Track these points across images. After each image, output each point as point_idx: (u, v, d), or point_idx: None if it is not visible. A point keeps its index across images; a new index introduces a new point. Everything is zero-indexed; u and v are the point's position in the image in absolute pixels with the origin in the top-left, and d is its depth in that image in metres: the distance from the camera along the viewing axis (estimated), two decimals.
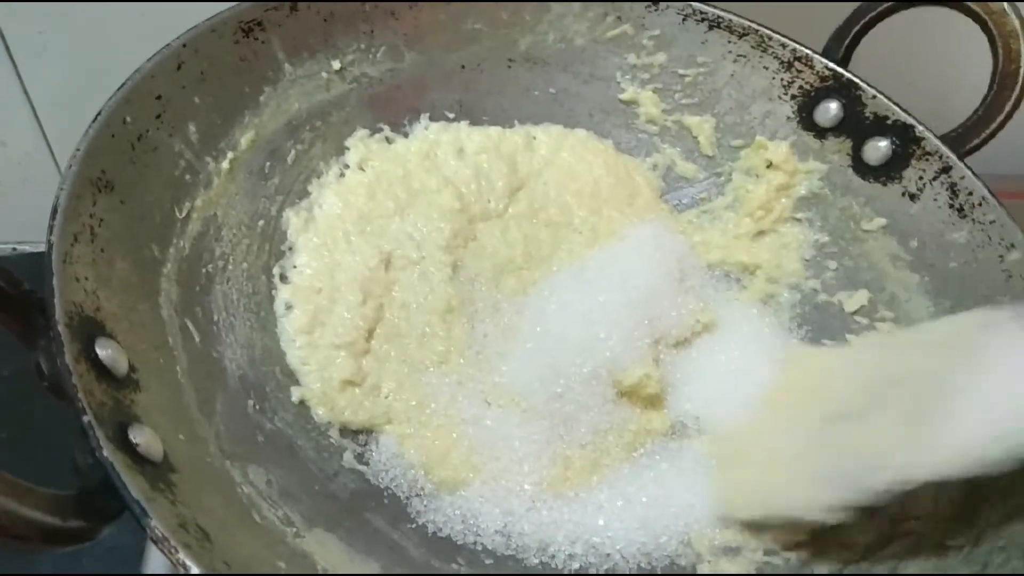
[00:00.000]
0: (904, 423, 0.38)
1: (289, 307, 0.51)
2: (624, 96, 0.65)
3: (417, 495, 0.48)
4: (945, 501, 0.46)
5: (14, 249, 0.82)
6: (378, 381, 0.50)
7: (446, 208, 0.56)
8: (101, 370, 0.36)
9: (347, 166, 0.58)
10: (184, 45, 0.49)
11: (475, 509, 0.47)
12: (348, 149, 0.58)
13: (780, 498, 0.43)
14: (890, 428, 0.38)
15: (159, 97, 0.47)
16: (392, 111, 0.61)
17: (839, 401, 0.43)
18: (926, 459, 0.36)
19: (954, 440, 0.36)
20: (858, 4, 0.58)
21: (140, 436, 0.35)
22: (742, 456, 0.48)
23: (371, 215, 0.55)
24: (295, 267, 0.53)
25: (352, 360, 0.49)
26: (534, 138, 0.63)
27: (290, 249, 0.54)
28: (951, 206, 0.54)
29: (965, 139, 0.55)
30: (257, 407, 0.47)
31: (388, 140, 0.60)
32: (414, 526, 0.47)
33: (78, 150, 0.41)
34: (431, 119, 0.62)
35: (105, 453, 0.32)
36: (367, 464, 0.49)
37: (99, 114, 0.43)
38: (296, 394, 0.49)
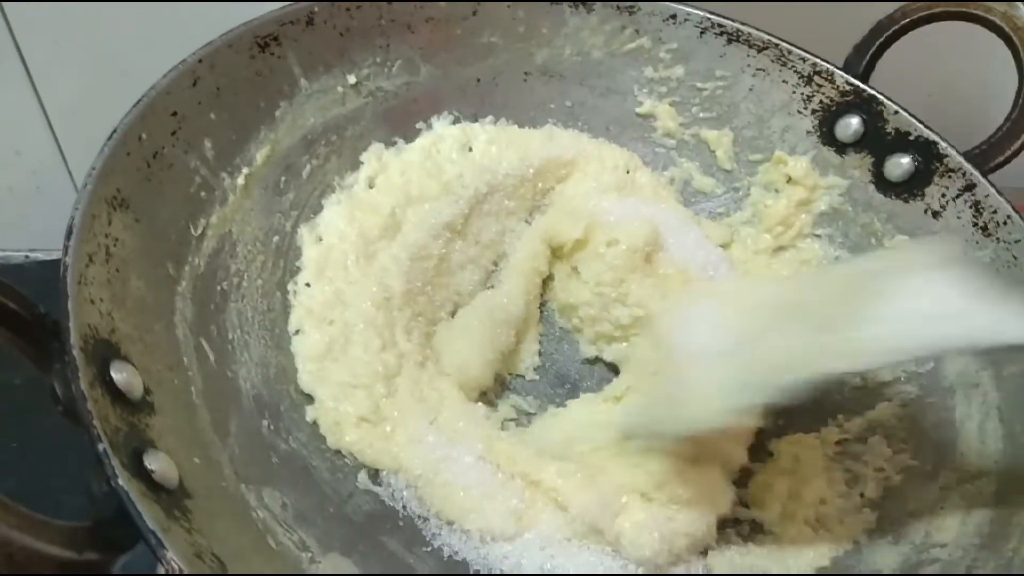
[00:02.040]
0: (819, 330, 0.39)
1: (299, 331, 0.51)
2: (641, 109, 0.64)
3: (433, 517, 0.48)
4: (972, 528, 0.45)
5: (27, 257, 0.82)
6: (393, 427, 0.49)
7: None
8: (116, 394, 0.35)
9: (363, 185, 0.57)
10: (200, 61, 0.48)
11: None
12: (363, 163, 0.58)
13: (689, 409, 0.42)
14: (803, 334, 0.40)
15: (175, 114, 0.46)
16: (407, 124, 0.61)
17: (762, 313, 0.43)
18: (833, 357, 0.38)
19: (862, 336, 0.38)
20: (879, 18, 0.58)
21: (155, 462, 0.34)
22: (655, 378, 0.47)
23: (371, 235, 0.54)
24: (307, 285, 0.52)
25: (368, 399, 0.48)
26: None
27: (304, 265, 0.53)
28: (975, 224, 0.53)
29: (989, 156, 0.55)
30: (271, 427, 0.46)
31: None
32: (429, 549, 0.46)
33: (93, 168, 0.41)
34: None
35: (121, 482, 0.31)
36: (381, 485, 0.48)
37: (114, 132, 0.43)
38: (311, 414, 0.48)
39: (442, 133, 0.60)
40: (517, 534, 0.47)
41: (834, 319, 0.39)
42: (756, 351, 0.41)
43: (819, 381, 0.39)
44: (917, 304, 0.37)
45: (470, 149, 0.60)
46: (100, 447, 0.32)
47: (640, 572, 0.46)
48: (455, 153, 0.59)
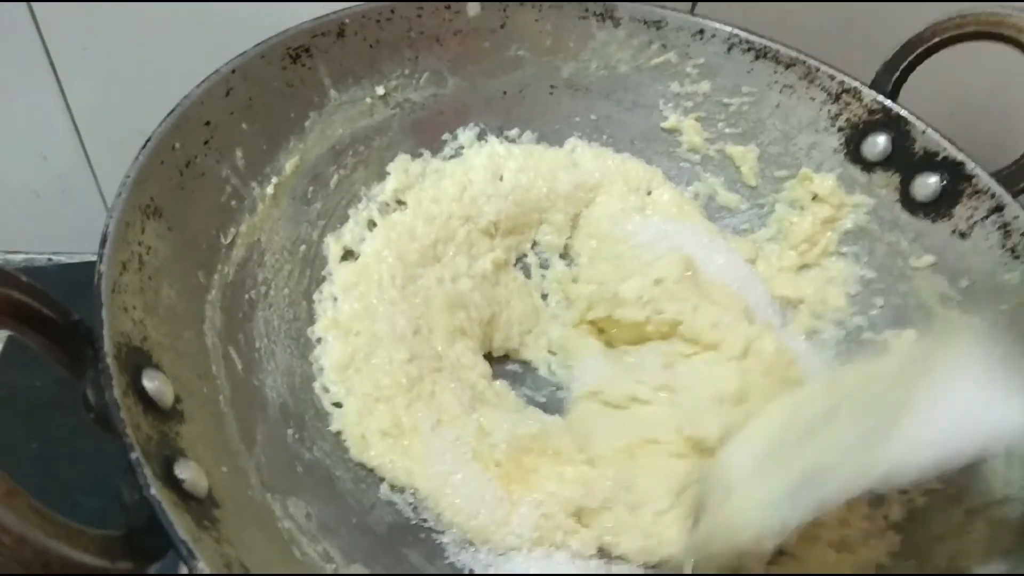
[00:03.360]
0: (855, 438, 0.39)
1: (320, 340, 0.51)
2: (667, 124, 0.64)
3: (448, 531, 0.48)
4: (997, 553, 0.44)
5: (49, 260, 0.83)
6: (410, 441, 0.48)
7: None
8: (148, 403, 0.36)
9: (391, 203, 0.58)
10: (233, 71, 0.49)
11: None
12: (389, 174, 0.58)
13: (737, 522, 0.42)
14: (841, 443, 0.39)
15: (208, 123, 0.47)
16: (434, 136, 0.61)
17: (797, 427, 0.43)
18: (871, 469, 0.38)
19: (897, 452, 0.37)
20: (909, 37, 0.57)
21: (186, 471, 0.34)
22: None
23: (410, 260, 0.55)
24: (334, 299, 0.52)
25: (390, 413, 0.48)
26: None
27: (330, 275, 0.54)
28: (1003, 247, 0.53)
29: (1018, 177, 0.54)
30: (297, 436, 0.47)
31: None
32: (448, 562, 0.46)
33: (127, 177, 0.41)
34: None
35: (153, 491, 0.31)
36: (403, 493, 0.48)
37: (148, 140, 0.43)
38: (335, 424, 0.48)
39: (472, 162, 0.61)
40: (529, 550, 0.47)
41: (868, 431, 0.38)
42: (793, 473, 0.40)
43: (861, 490, 0.38)
44: (949, 410, 0.36)
45: (501, 178, 0.61)
46: (133, 456, 0.32)
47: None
48: (489, 186, 0.60)
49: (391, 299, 0.52)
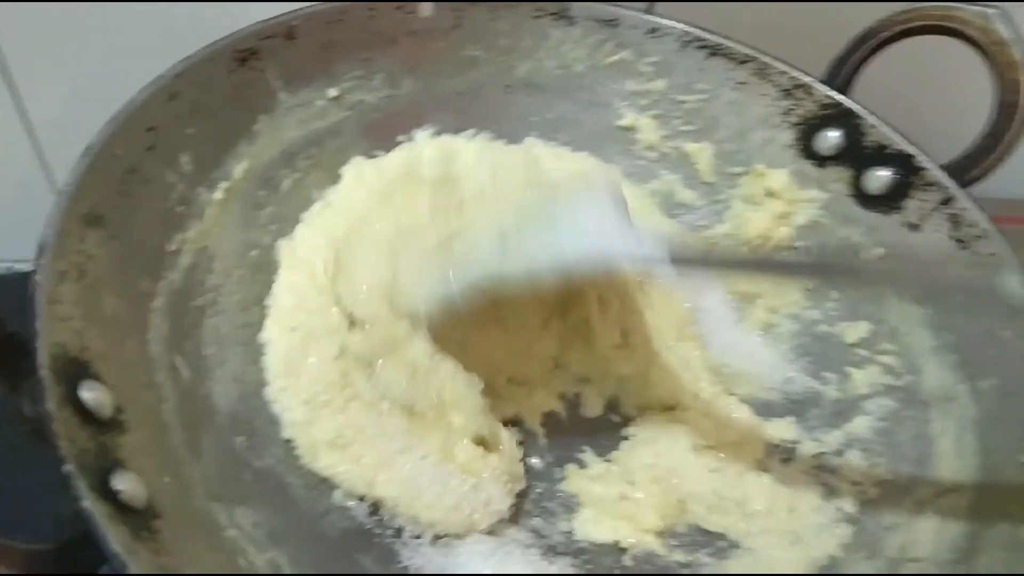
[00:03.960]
0: (499, 240, 0.47)
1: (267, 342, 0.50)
2: (623, 122, 0.64)
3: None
4: (947, 543, 0.45)
5: (9, 268, 0.82)
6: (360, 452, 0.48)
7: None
8: (85, 414, 0.35)
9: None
10: (178, 75, 0.48)
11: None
12: (343, 177, 0.58)
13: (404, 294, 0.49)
14: (490, 241, 0.47)
15: (151, 129, 0.46)
16: (389, 138, 0.60)
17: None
18: (508, 263, 0.46)
19: (530, 251, 0.45)
20: (859, 31, 0.58)
21: (123, 483, 0.34)
22: None
23: (345, 257, 0.53)
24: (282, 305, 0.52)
25: (332, 420, 0.47)
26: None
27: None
28: (952, 237, 0.53)
29: (967, 169, 0.55)
30: (247, 444, 0.46)
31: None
32: (403, 567, 0.46)
33: (67, 185, 0.41)
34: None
35: (87, 504, 0.31)
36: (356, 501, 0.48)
37: (88, 148, 0.43)
38: (287, 431, 0.48)
39: (422, 155, 0.59)
40: (493, 546, 0.47)
41: (515, 232, 0.46)
42: (451, 250, 0.48)
43: (501, 284, 0.46)
44: (580, 227, 0.45)
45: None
46: (67, 468, 0.32)
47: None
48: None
49: (321, 288, 0.51)
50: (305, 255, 0.53)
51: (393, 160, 0.59)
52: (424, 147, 0.59)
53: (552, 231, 0.45)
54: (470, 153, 0.58)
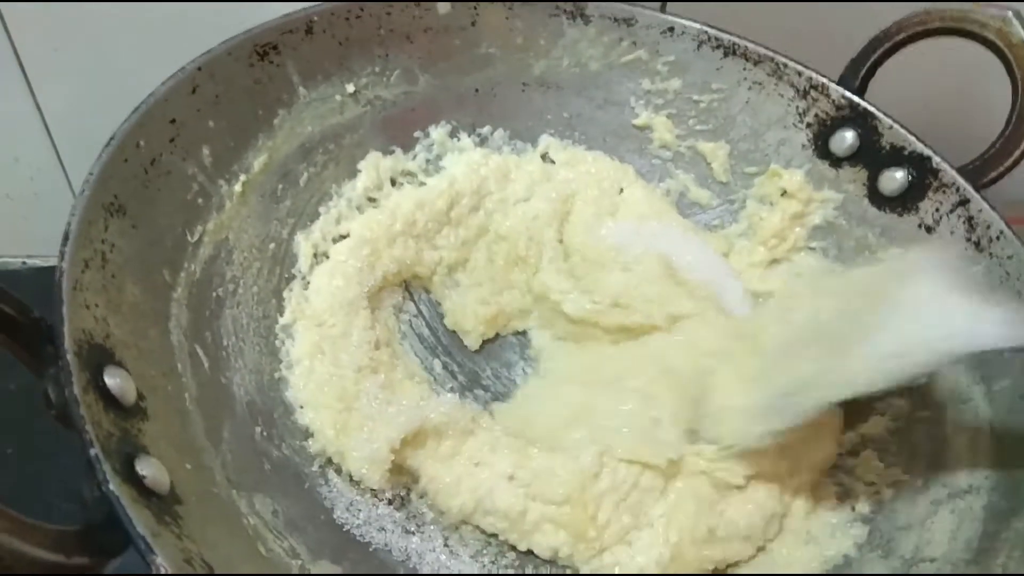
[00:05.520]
0: (827, 354, 0.42)
1: (290, 331, 0.51)
2: (638, 121, 0.64)
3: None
4: (961, 543, 0.45)
5: (24, 263, 0.82)
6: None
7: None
8: (109, 399, 0.35)
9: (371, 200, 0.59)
10: (199, 68, 0.49)
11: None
12: (360, 172, 0.58)
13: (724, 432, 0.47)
14: (813, 360, 0.43)
15: (173, 121, 0.47)
16: (405, 133, 0.61)
17: (772, 345, 0.47)
18: (842, 382, 0.41)
19: (866, 364, 0.40)
20: (875, 33, 0.58)
21: (147, 468, 0.34)
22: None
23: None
24: (307, 299, 0.53)
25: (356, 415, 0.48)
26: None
27: (300, 274, 0.54)
28: (968, 239, 0.53)
29: (983, 171, 0.55)
30: (264, 434, 0.46)
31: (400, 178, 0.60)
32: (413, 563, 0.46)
33: (91, 175, 0.41)
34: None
35: (112, 487, 0.31)
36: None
37: (112, 138, 0.43)
38: (304, 419, 0.48)
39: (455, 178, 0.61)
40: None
41: (844, 338, 0.40)
42: (776, 379, 0.43)
43: (837, 401, 0.42)
44: (920, 315, 0.38)
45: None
46: (92, 452, 0.32)
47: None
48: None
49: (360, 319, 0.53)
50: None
51: None
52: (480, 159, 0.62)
53: (887, 333, 0.39)
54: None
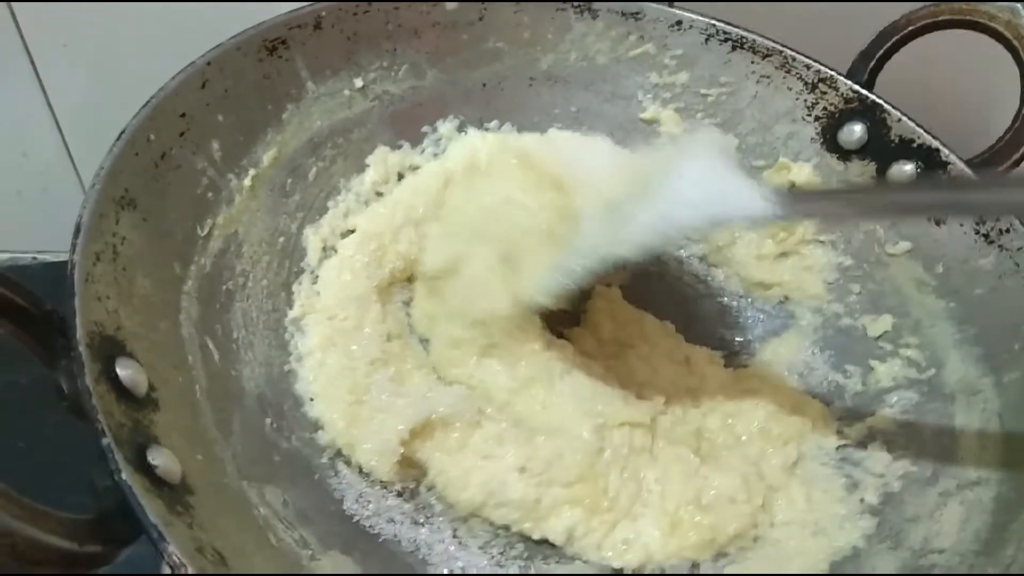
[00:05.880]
0: (613, 218, 0.46)
1: (299, 324, 0.52)
2: (646, 115, 0.64)
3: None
4: (970, 535, 0.45)
5: (34, 258, 0.83)
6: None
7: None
8: (121, 391, 0.36)
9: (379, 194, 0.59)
10: (209, 63, 0.49)
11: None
12: (368, 166, 0.58)
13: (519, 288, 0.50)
14: (601, 222, 0.47)
15: (183, 115, 0.47)
16: (413, 128, 0.61)
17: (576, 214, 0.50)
18: (624, 241, 0.45)
19: (643, 224, 0.44)
20: (884, 26, 0.58)
21: (158, 458, 0.35)
22: None
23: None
24: (317, 293, 0.53)
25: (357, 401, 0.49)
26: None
27: (310, 267, 0.54)
28: (977, 232, 0.53)
29: (992, 164, 0.55)
30: (274, 425, 0.47)
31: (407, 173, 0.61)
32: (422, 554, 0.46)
33: (102, 168, 0.42)
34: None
35: (124, 476, 0.32)
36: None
37: (123, 132, 0.43)
38: (314, 412, 0.49)
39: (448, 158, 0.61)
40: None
41: (623, 207, 0.46)
42: (574, 241, 0.47)
43: (618, 259, 0.45)
44: (690, 182, 0.43)
45: None
46: (104, 441, 0.32)
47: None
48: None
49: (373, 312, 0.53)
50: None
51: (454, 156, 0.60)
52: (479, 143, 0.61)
53: (661, 199, 0.44)
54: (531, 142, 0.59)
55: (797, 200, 0.44)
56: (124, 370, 0.37)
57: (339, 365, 0.50)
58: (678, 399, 0.54)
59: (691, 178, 0.43)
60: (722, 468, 0.51)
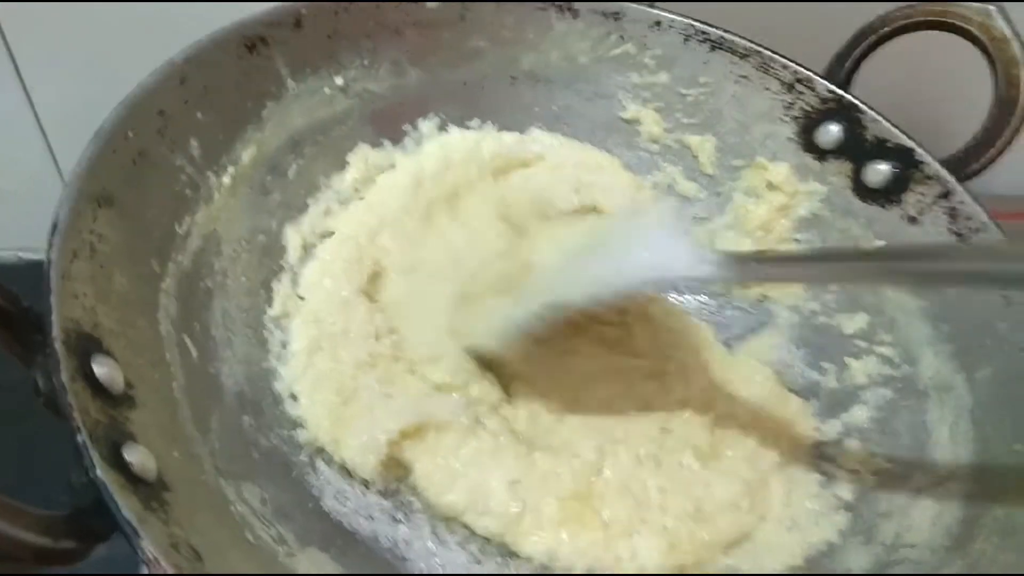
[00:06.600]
0: (566, 270, 0.49)
1: (280, 323, 0.52)
2: (626, 115, 0.65)
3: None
4: (941, 530, 0.46)
5: (19, 257, 0.82)
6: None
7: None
8: (97, 388, 0.36)
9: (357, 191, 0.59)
10: (187, 60, 0.49)
11: None
12: (349, 164, 0.59)
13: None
14: (555, 273, 0.49)
15: (161, 112, 0.47)
16: (394, 126, 0.61)
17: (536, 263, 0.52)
18: (573, 291, 0.47)
19: (592, 278, 0.47)
20: (860, 27, 0.59)
21: (134, 455, 0.35)
22: None
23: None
24: (299, 296, 0.53)
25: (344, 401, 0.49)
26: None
27: (289, 266, 0.54)
28: (950, 231, 0.54)
29: (966, 163, 0.55)
30: (253, 424, 0.47)
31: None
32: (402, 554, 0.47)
33: (79, 166, 0.41)
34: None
35: (99, 473, 0.32)
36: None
37: (100, 129, 0.43)
38: (295, 410, 0.49)
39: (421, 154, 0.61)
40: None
41: (575, 259, 0.48)
42: (529, 289, 0.49)
43: (566, 309, 0.47)
44: (637, 245, 0.46)
45: None
46: (79, 438, 0.32)
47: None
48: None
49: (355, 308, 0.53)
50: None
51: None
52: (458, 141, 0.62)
53: (615, 255, 0.47)
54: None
55: (742, 264, 0.47)
56: (101, 367, 0.36)
57: (327, 368, 0.50)
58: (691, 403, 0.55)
59: (645, 240, 0.46)
60: (724, 473, 0.51)
